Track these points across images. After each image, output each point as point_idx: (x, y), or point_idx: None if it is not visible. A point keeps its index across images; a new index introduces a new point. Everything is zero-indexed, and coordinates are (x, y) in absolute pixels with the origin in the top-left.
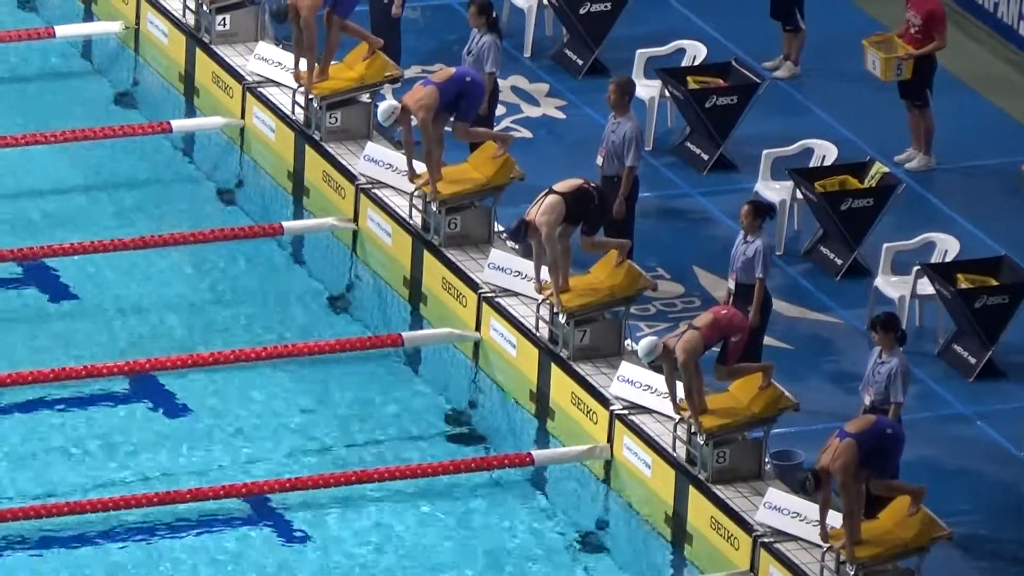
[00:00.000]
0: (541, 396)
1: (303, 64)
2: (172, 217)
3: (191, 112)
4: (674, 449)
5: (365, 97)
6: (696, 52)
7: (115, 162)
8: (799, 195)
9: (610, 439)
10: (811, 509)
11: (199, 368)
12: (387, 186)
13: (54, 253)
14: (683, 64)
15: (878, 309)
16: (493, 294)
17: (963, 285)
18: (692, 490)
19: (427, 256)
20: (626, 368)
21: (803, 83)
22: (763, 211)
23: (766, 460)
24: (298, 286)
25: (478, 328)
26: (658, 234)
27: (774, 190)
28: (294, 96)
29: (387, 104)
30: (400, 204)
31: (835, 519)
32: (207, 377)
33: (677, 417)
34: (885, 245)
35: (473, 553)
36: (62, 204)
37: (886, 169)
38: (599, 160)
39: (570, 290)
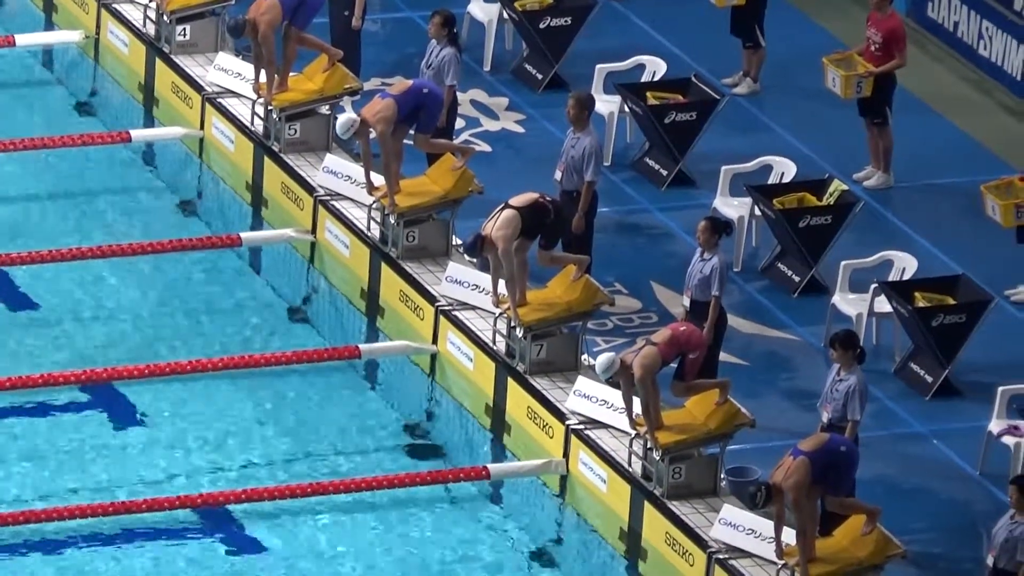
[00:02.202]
0: (497, 410)
1: (263, 76)
2: (130, 227)
3: (150, 122)
4: (630, 464)
5: (324, 109)
6: (656, 68)
7: (74, 171)
8: (757, 212)
9: (566, 454)
10: (766, 526)
11: (156, 378)
12: (346, 198)
13: (12, 262)
14: (643, 79)
15: (835, 326)
16: (450, 307)
17: (920, 303)
18: (647, 506)
19: (385, 268)
20: (583, 383)
21: (762, 100)
22: (720, 228)
23: (722, 476)
24: (256, 297)
25: (435, 341)
26: (616, 249)
27: (732, 206)
28: (253, 107)
29: (345, 117)
30: (358, 216)
31: (790, 536)
32: (164, 387)
33: (633, 432)
34: (843, 262)
35: (427, 566)
36: (20, 212)
37: (845, 187)
38: (558, 175)
39: (527, 304)
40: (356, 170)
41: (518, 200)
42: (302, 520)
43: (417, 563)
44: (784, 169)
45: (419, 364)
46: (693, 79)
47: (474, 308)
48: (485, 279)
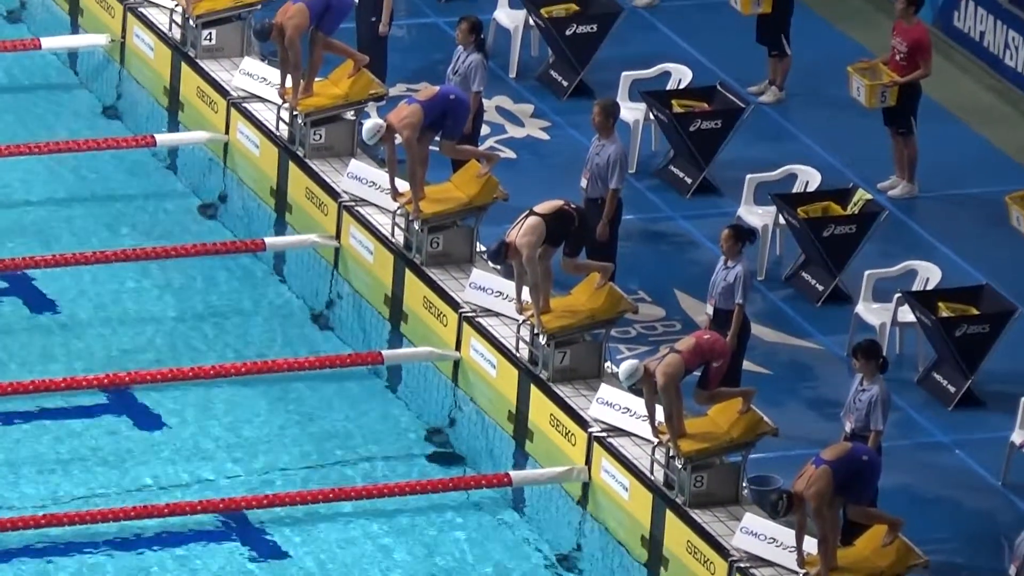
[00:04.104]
0: (520, 417)
1: (288, 81)
2: (154, 231)
3: (175, 126)
4: (652, 472)
5: (349, 114)
6: (681, 75)
7: (98, 175)
8: (782, 220)
9: (588, 461)
10: (787, 535)
11: (178, 383)
12: (370, 204)
13: (36, 265)
14: (668, 87)
15: (858, 336)
16: (474, 314)
17: (944, 313)
18: (669, 514)
19: (408, 274)
20: (605, 390)
21: (788, 108)
22: (743, 236)
23: (744, 485)
24: (279, 302)
25: (458, 347)
26: (640, 257)
27: (757, 215)
28: (278, 112)
29: (372, 122)
30: (383, 222)
31: (811, 545)
32: (186, 392)
33: (656, 440)
34: (867, 272)
35: (448, 574)
36: (45, 216)
37: (869, 196)
38: (583, 182)
39: (551, 311)
40: (381, 176)
41: (542, 207)
42: (324, 526)
43: (438, 570)
44: (808, 178)
45: (442, 370)
46: (718, 87)
47: (498, 315)
48: (509, 286)
